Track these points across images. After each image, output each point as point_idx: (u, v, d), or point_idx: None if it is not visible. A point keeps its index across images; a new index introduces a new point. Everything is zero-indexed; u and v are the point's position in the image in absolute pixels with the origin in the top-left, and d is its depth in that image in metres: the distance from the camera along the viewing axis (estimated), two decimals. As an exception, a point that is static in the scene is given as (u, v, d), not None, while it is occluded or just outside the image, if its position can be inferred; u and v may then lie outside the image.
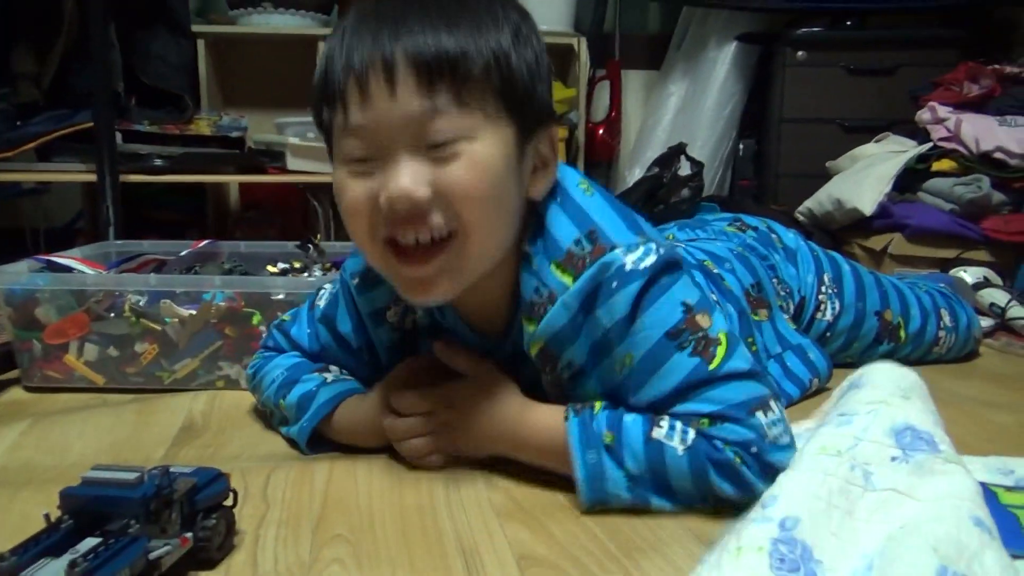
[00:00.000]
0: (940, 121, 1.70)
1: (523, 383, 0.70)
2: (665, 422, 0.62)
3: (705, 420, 0.61)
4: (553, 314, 0.64)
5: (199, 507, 0.54)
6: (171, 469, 0.54)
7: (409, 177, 0.58)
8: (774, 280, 0.97)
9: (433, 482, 0.68)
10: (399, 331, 0.77)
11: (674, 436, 0.61)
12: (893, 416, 0.57)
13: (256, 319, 0.96)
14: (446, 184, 0.59)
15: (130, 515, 0.50)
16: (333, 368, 0.80)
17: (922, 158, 1.71)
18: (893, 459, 0.53)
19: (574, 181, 0.68)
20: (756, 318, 0.91)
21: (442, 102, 0.58)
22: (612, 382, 0.66)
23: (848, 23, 2.16)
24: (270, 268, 1.17)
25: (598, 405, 0.65)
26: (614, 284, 0.62)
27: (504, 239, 0.65)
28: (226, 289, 0.95)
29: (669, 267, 0.63)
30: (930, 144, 1.70)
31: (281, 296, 0.96)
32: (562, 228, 0.65)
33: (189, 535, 0.52)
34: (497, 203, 0.61)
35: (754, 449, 0.59)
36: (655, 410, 0.63)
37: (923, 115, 1.75)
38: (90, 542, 0.48)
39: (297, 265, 1.17)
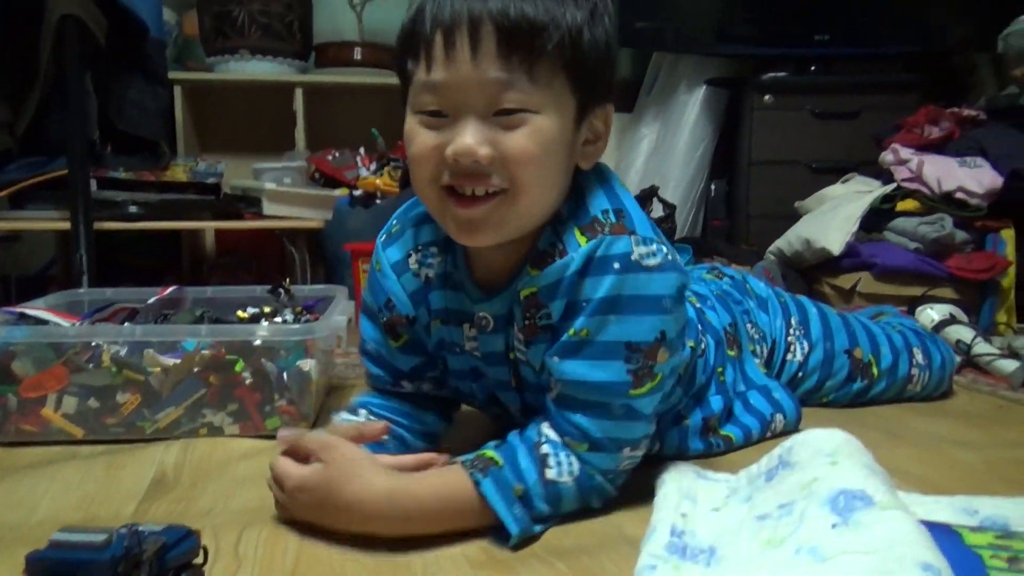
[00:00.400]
0: (903, 162, 1.75)
1: (498, 343, 0.76)
2: (551, 456, 0.68)
3: (585, 446, 0.68)
4: (558, 264, 0.69)
5: (168, 567, 0.53)
6: (140, 528, 0.53)
7: (474, 137, 0.63)
8: (748, 324, 1.01)
9: (408, 538, 0.67)
10: (418, 278, 0.79)
11: (563, 472, 0.68)
12: (826, 487, 0.59)
13: (239, 366, 0.96)
14: (507, 149, 0.64)
15: None
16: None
17: (887, 198, 1.76)
18: (834, 526, 0.55)
19: (615, 177, 0.75)
20: (729, 353, 0.94)
21: (516, 74, 0.62)
22: (555, 344, 0.70)
23: (812, 68, 2.23)
24: (240, 314, 1.16)
25: (493, 457, 0.68)
26: (615, 265, 0.66)
27: (550, 202, 0.69)
28: (209, 338, 0.95)
29: (679, 296, 0.70)
30: (894, 184, 1.75)
31: (261, 343, 0.96)
32: (595, 199, 0.71)
33: None
34: (549, 170, 0.66)
35: (611, 476, 0.71)
36: (561, 398, 0.69)
37: (886, 157, 1.80)
38: None
39: (268, 310, 1.17)
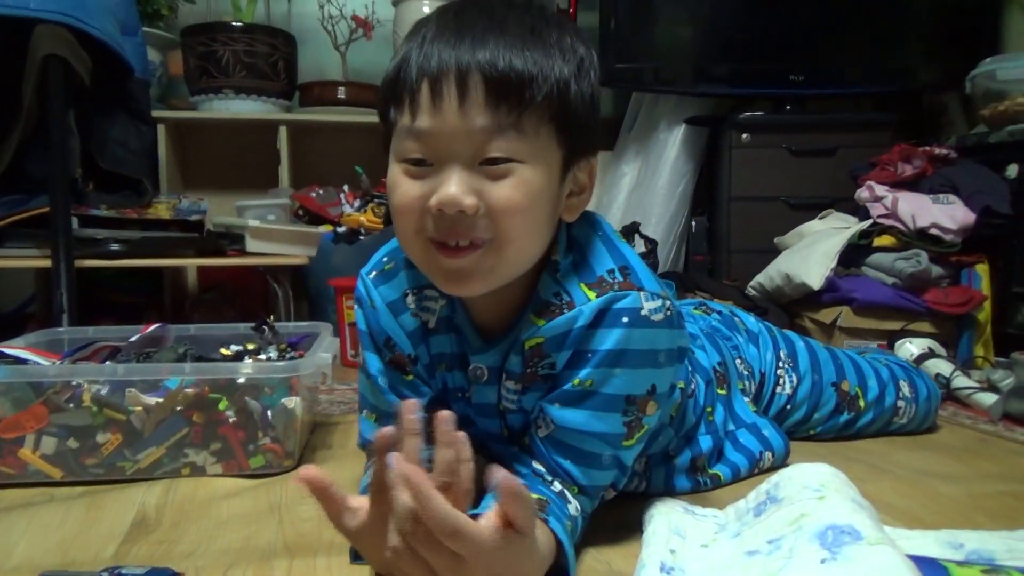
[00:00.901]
0: (878, 199, 1.78)
1: (490, 395, 0.76)
2: (567, 492, 0.69)
3: (575, 489, 0.70)
4: (567, 317, 0.69)
5: None
6: (122, 571, 0.52)
7: (459, 187, 0.62)
8: (737, 360, 1.02)
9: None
10: (417, 319, 0.78)
11: (575, 508, 0.69)
12: (814, 522, 0.60)
13: (223, 404, 0.95)
14: (492, 199, 0.63)
15: None
16: None
17: (864, 234, 1.79)
18: (823, 561, 0.55)
19: (611, 228, 0.76)
20: (720, 392, 0.95)
21: (504, 123, 0.62)
22: (555, 392, 0.70)
23: (788, 107, 2.28)
24: (223, 351, 1.15)
25: (542, 498, 0.67)
26: (624, 319, 0.67)
27: (536, 250, 0.69)
28: (193, 376, 0.94)
29: (679, 354, 0.72)
30: (870, 221, 1.79)
31: (245, 381, 0.95)
32: (600, 259, 0.71)
33: None
34: (534, 221, 0.66)
35: (590, 512, 0.73)
36: (552, 440, 0.70)
37: (862, 193, 1.84)
38: None
39: (252, 347, 1.16)
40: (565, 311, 0.69)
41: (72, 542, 0.76)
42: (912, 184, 1.79)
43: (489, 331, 0.75)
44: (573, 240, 0.73)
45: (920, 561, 0.58)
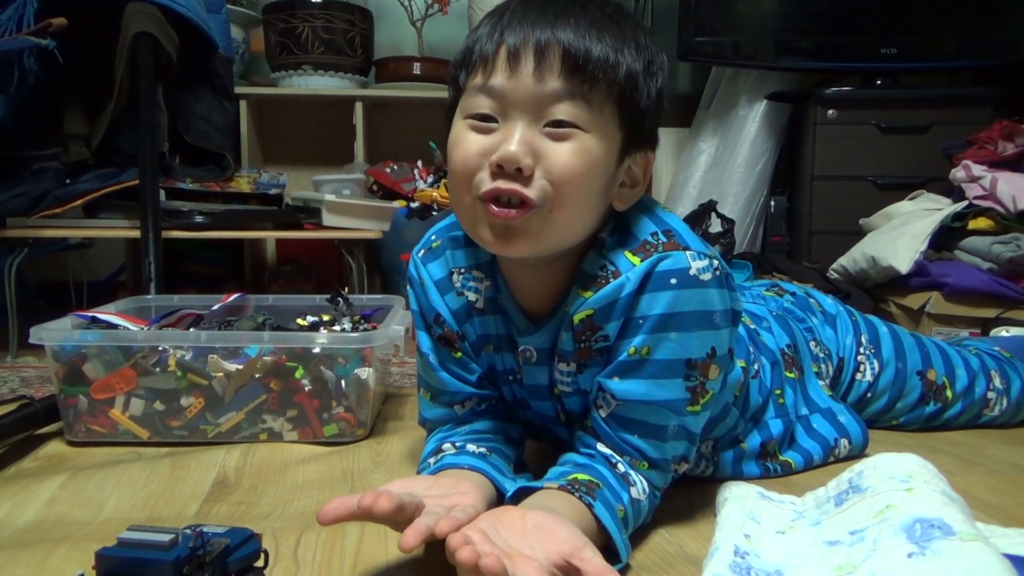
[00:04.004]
0: (975, 179, 1.68)
1: (542, 377, 0.75)
2: (630, 475, 0.68)
3: (646, 463, 0.69)
4: (614, 285, 0.67)
5: (230, 569, 0.54)
6: (204, 530, 0.54)
7: (521, 147, 0.63)
8: (811, 343, 0.98)
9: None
10: (462, 298, 0.78)
11: (640, 491, 0.68)
12: (901, 515, 0.57)
13: (299, 373, 0.97)
14: (552, 160, 0.64)
15: None
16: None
17: (958, 216, 1.69)
18: (910, 556, 0.53)
19: (657, 203, 0.75)
20: (789, 375, 0.91)
21: (575, 91, 0.63)
22: (612, 365, 0.69)
23: (879, 82, 2.17)
24: (300, 321, 1.18)
25: (591, 479, 0.66)
26: (672, 280, 0.66)
27: (584, 224, 0.68)
28: (271, 344, 0.97)
29: (733, 316, 0.70)
30: (966, 202, 1.69)
31: (320, 351, 0.97)
32: (642, 226, 0.70)
33: None
34: (588, 191, 0.66)
35: (663, 487, 0.72)
36: (616, 417, 0.68)
37: (957, 173, 1.74)
38: None
39: (327, 318, 1.18)
40: (611, 280, 0.68)
41: (158, 499, 0.80)
42: (1013, 164, 1.68)
43: (536, 313, 0.74)
44: (619, 220, 0.72)
45: (1017, 561, 0.55)
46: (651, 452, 0.69)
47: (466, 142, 0.66)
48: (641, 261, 0.67)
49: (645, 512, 0.69)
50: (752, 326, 0.92)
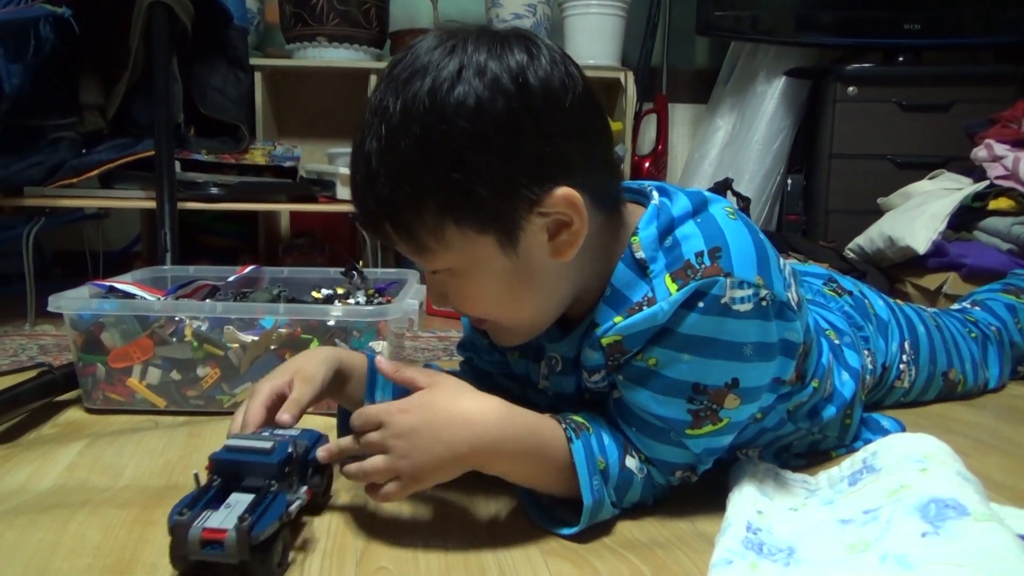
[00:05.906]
0: (997, 159, 1.66)
1: (568, 385, 0.74)
2: (630, 446, 0.67)
3: (643, 456, 0.68)
4: (647, 314, 0.63)
5: (310, 465, 0.65)
6: (293, 435, 0.63)
7: (432, 294, 0.69)
8: (865, 352, 0.94)
9: (479, 520, 0.68)
10: None
11: (636, 466, 0.67)
12: (916, 495, 0.57)
13: (314, 344, 0.98)
14: (455, 299, 0.67)
15: (267, 475, 0.59)
16: None
17: (978, 196, 1.67)
18: (924, 535, 0.53)
19: (721, 205, 0.68)
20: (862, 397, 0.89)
21: (412, 249, 0.63)
22: (625, 365, 0.66)
23: (901, 59, 2.13)
24: (315, 294, 1.18)
25: (585, 423, 0.66)
26: (700, 304, 0.62)
27: (552, 303, 0.68)
28: (287, 316, 0.98)
29: (783, 348, 0.67)
30: (987, 182, 1.67)
31: (335, 323, 0.98)
32: (691, 240, 0.64)
33: (305, 488, 0.63)
34: (511, 298, 0.65)
35: (664, 485, 0.70)
36: (621, 406, 0.68)
37: (979, 152, 1.71)
38: (238, 497, 0.57)
39: (341, 291, 1.18)
40: (645, 307, 0.63)
41: (175, 466, 0.81)
42: (1037, 143, 1.66)
43: (567, 320, 0.72)
44: (668, 224, 0.66)
45: (1032, 541, 0.55)
46: (642, 448, 0.67)
47: None
48: (678, 289, 0.62)
49: (639, 488, 0.67)
50: (836, 341, 0.87)
